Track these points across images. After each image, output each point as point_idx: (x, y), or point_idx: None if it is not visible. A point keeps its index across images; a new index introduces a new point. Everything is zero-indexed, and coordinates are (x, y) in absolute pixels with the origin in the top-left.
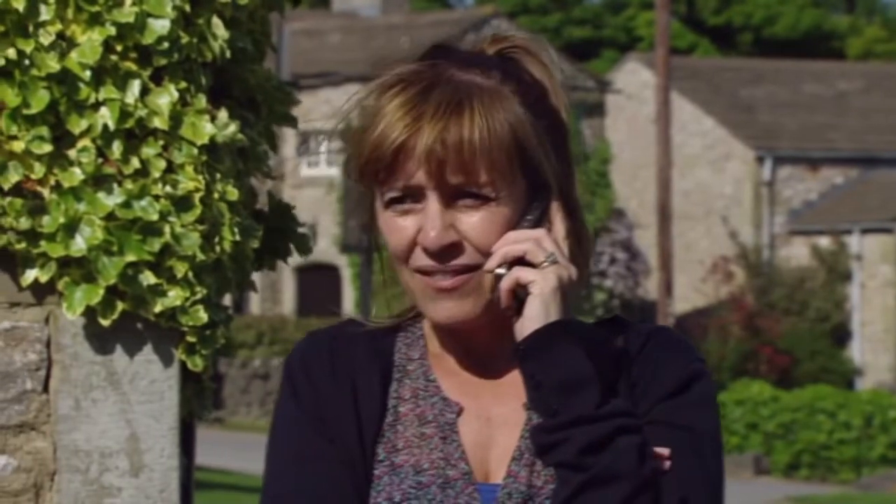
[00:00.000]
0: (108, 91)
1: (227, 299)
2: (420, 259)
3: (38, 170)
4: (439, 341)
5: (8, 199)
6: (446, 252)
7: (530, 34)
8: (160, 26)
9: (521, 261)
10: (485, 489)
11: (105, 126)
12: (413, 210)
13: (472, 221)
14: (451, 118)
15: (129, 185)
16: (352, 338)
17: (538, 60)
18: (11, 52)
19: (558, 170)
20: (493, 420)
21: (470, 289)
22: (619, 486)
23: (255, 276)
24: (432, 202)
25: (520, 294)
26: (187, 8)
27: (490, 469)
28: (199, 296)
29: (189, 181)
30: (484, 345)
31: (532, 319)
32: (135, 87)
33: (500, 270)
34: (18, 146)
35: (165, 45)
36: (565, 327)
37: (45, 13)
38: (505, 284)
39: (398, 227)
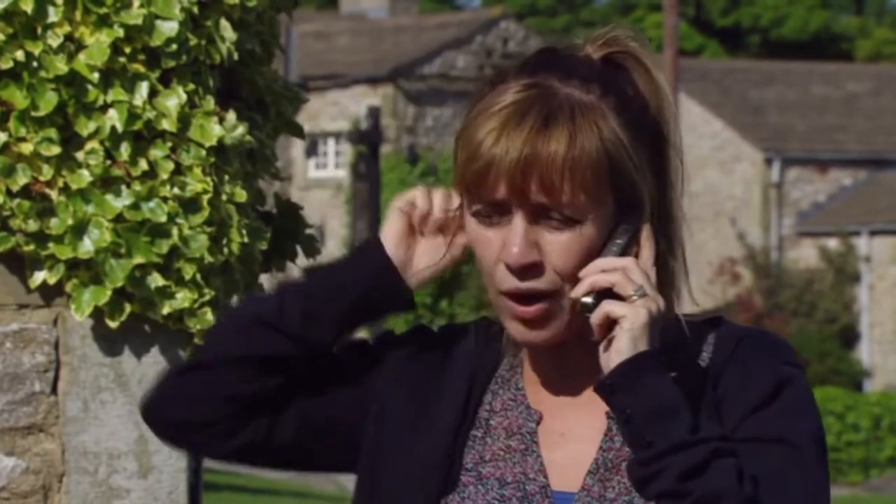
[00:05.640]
0: (116, 93)
1: (236, 301)
2: (504, 281)
3: (47, 172)
4: (529, 352)
5: (16, 200)
6: (527, 271)
7: (637, 36)
8: (168, 28)
9: (608, 290)
10: (560, 499)
11: (113, 128)
12: (500, 223)
13: (556, 242)
14: (540, 134)
15: (137, 186)
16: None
17: (646, 68)
18: (20, 54)
19: (654, 189)
20: (574, 431)
21: (548, 315)
22: None
23: (264, 278)
24: (517, 218)
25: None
26: (195, 10)
27: (566, 480)
28: (207, 298)
29: (197, 183)
30: (568, 360)
31: (620, 353)
32: (143, 88)
33: (587, 299)
34: (27, 148)
35: (174, 46)
36: (652, 357)
37: (53, 15)
38: (595, 320)
39: (485, 238)
